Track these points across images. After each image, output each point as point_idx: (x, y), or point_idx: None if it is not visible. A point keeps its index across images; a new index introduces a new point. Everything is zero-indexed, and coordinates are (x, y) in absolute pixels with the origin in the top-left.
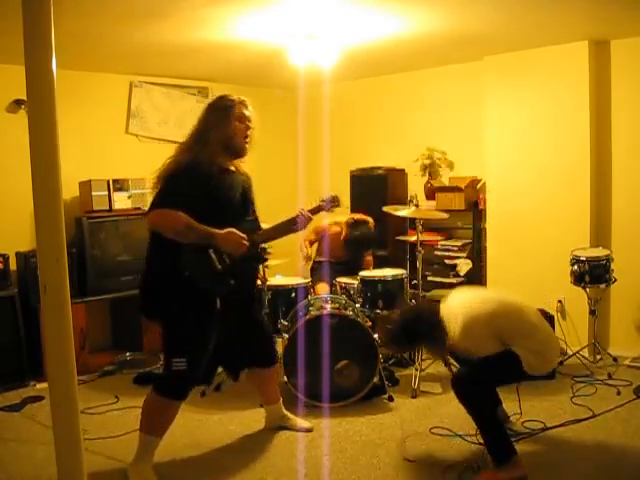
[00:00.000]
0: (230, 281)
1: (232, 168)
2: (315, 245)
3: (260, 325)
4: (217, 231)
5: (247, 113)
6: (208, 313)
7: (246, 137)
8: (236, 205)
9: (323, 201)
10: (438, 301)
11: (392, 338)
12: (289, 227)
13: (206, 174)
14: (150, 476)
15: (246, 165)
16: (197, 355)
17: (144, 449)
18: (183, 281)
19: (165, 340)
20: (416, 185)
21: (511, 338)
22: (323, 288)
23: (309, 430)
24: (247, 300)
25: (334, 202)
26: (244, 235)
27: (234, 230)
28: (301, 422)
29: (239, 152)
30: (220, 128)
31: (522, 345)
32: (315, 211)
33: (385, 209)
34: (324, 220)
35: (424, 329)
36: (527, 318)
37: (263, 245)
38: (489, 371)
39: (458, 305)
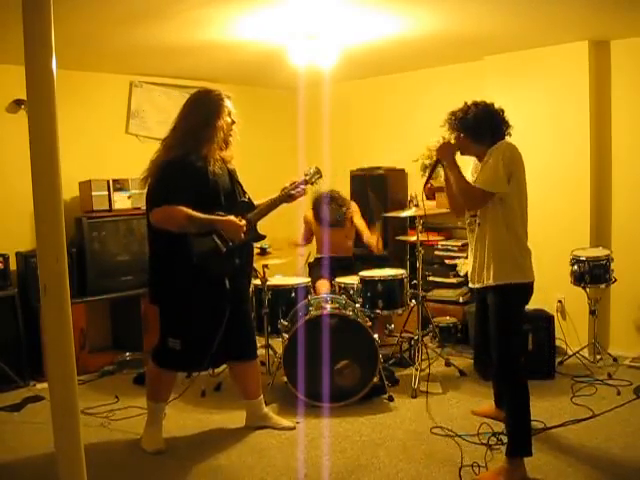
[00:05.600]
0: (236, 260)
1: (218, 157)
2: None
3: (246, 316)
4: (217, 219)
5: (232, 108)
6: (219, 295)
7: (231, 130)
8: (228, 191)
9: (307, 174)
10: None
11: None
12: (283, 201)
13: (200, 168)
14: (159, 439)
15: (246, 165)
16: (195, 338)
17: (151, 415)
18: (191, 269)
19: (163, 320)
20: (416, 185)
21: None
22: (324, 285)
23: (292, 428)
24: (245, 282)
25: (317, 174)
26: (242, 222)
27: (232, 218)
28: (283, 421)
29: (226, 146)
30: (213, 124)
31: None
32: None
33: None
34: (309, 212)
35: (496, 122)
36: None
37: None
38: (505, 330)
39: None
